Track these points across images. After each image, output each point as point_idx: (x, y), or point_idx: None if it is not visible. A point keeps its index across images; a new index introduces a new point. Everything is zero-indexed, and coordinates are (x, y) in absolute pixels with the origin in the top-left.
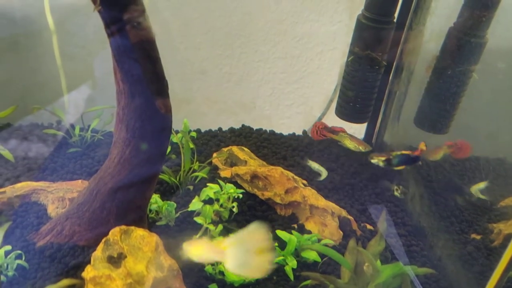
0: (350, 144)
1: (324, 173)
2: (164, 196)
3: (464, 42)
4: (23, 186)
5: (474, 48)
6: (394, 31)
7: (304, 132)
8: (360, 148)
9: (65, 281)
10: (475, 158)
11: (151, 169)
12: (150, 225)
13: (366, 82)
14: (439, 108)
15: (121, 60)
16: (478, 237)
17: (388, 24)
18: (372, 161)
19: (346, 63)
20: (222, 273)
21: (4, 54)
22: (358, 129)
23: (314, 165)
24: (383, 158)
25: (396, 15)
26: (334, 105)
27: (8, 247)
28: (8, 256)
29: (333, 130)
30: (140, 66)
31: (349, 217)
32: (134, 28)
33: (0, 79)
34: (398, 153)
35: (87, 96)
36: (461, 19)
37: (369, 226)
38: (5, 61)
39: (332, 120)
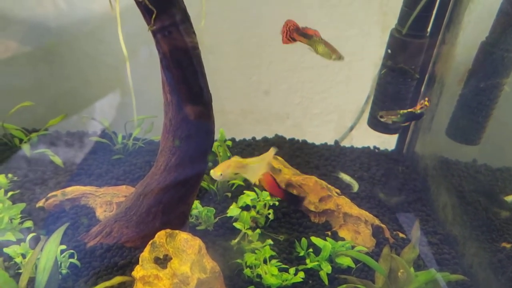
0: (323, 51)
1: (355, 186)
2: (203, 202)
3: (496, 56)
4: (73, 190)
5: (506, 61)
6: (427, 45)
7: (336, 142)
8: (333, 57)
9: (118, 278)
10: (506, 168)
11: (194, 176)
12: (190, 229)
13: (398, 94)
14: (471, 119)
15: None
16: (509, 245)
17: (421, 38)
18: (382, 119)
19: (378, 76)
20: (259, 276)
21: (39, 62)
22: (389, 140)
23: (346, 177)
24: (393, 117)
25: (429, 28)
26: (365, 115)
27: (63, 247)
28: (62, 255)
29: (306, 33)
30: (185, 79)
31: (382, 225)
32: (180, 43)
33: (35, 86)
34: (405, 111)
35: (121, 103)
36: (493, 34)
37: (401, 234)
38: (39, 69)
39: (364, 131)
